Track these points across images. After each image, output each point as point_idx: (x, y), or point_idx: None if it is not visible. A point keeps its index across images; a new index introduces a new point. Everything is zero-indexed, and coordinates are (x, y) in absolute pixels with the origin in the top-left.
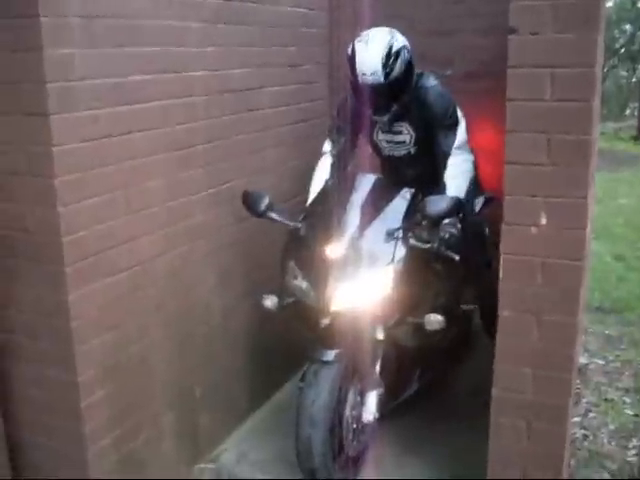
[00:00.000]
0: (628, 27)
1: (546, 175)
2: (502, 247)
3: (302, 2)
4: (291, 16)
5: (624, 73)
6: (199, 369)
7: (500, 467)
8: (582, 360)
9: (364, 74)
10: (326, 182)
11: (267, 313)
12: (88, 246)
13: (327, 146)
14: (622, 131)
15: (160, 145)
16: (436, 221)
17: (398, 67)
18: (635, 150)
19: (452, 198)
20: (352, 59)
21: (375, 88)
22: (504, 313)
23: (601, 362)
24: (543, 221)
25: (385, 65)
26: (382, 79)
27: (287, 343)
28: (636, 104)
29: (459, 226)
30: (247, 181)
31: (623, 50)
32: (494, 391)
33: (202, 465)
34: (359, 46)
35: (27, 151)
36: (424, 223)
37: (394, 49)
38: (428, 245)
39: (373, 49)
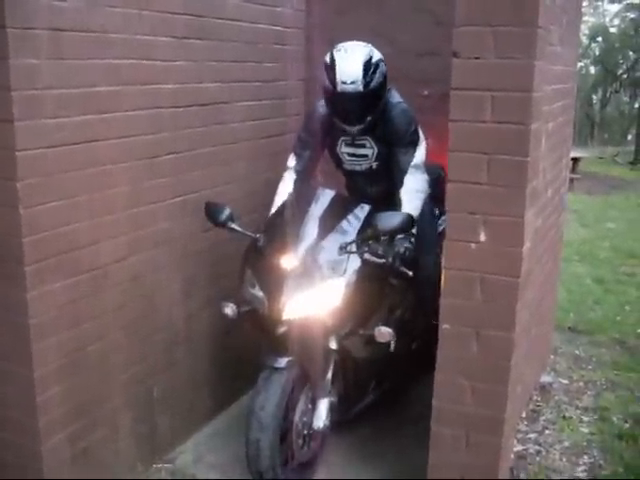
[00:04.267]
0: (631, 54)
1: (485, 194)
2: (444, 262)
3: (278, 20)
4: (266, 33)
5: (626, 99)
6: (159, 373)
7: (438, 476)
8: (547, 379)
9: (344, 82)
10: (289, 196)
11: (227, 320)
12: (49, 247)
13: (291, 161)
14: (619, 156)
15: (125, 154)
16: (390, 236)
17: (377, 78)
18: (630, 175)
19: (404, 214)
20: (331, 67)
21: (352, 97)
22: (444, 326)
23: (565, 381)
24: (482, 238)
25: (365, 75)
26: (361, 88)
27: (250, 351)
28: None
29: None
30: (215, 192)
31: (626, 76)
32: (434, 401)
33: (159, 465)
34: (339, 55)
35: None
36: (383, 238)
37: (373, 60)
38: (382, 260)
39: (354, 58)
